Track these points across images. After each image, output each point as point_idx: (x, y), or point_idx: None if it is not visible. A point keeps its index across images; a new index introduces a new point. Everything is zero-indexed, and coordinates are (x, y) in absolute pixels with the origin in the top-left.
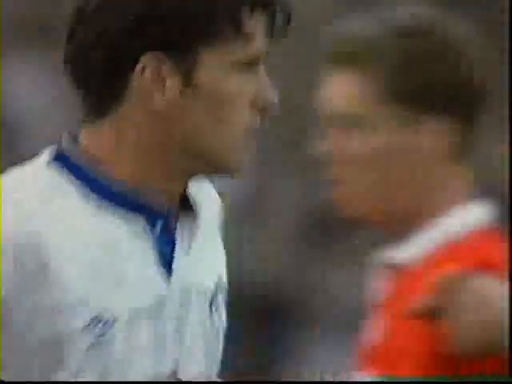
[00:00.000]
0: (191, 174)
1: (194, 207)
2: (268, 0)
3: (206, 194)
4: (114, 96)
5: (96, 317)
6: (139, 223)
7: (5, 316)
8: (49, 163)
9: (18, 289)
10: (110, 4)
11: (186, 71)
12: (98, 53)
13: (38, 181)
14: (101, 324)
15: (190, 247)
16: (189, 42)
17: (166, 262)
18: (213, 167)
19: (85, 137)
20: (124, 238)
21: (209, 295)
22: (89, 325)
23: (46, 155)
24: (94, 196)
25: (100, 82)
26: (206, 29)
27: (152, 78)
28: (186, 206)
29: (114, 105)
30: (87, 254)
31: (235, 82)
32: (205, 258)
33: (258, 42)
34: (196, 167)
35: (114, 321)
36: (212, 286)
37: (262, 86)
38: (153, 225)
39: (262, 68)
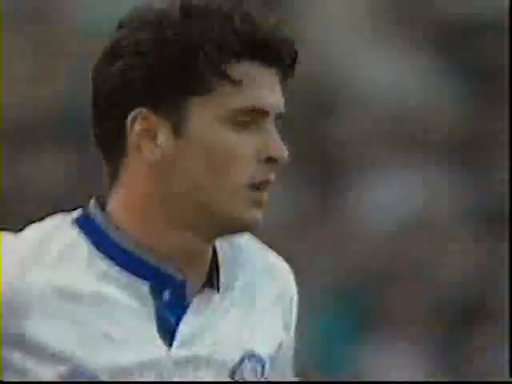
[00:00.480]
0: (205, 232)
1: (218, 277)
2: (268, 50)
3: (250, 258)
4: (117, 154)
5: (73, 371)
6: (142, 289)
7: None
8: (74, 222)
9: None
10: (104, 64)
11: (175, 124)
12: (98, 109)
13: (58, 237)
14: (78, 377)
15: (203, 318)
16: (174, 95)
17: (169, 329)
18: (220, 222)
19: (110, 198)
20: (122, 301)
21: (229, 365)
22: (67, 377)
23: (75, 213)
24: (101, 259)
25: (104, 140)
26: (189, 82)
27: (142, 132)
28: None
29: (119, 166)
30: (73, 310)
31: (229, 136)
32: (229, 329)
33: (255, 93)
34: (204, 223)
35: (94, 376)
36: (233, 357)
37: (266, 139)
38: (160, 291)
39: (267, 121)
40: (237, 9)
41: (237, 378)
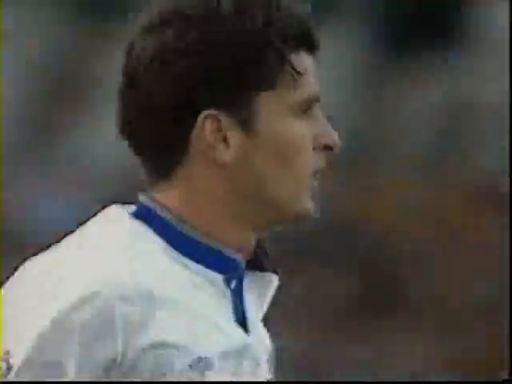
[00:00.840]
0: (263, 225)
1: (266, 268)
2: (311, 38)
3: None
4: (175, 156)
5: (199, 358)
6: (218, 281)
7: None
8: (131, 216)
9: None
10: (157, 66)
11: (244, 123)
12: (151, 116)
13: (127, 233)
14: (201, 365)
15: (252, 307)
16: (242, 93)
17: (240, 319)
18: (283, 214)
19: (158, 194)
20: (206, 289)
21: (268, 356)
22: (190, 366)
23: (119, 212)
24: (177, 252)
25: (158, 144)
26: (256, 77)
27: (212, 135)
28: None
29: (176, 165)
30: (179, 303)
31: (295, 127)
32: (259, 320)
33: (311, 83)
34: (268, 216)
35: (212, 363)
36: (267, 349)
37: (321, 127)
38: (229, 283)
39: (318, 110)
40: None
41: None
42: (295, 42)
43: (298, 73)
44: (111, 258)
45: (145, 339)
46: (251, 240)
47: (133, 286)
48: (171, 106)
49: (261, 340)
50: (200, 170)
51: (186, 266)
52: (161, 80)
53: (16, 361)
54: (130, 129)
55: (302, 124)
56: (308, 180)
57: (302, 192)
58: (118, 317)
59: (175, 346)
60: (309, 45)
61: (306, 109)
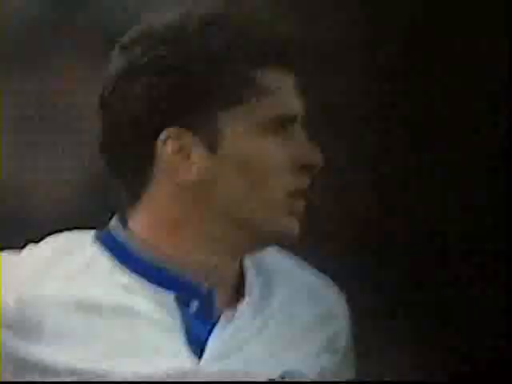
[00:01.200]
0: (238, 247)
1: (247, 291)
2: (281, 54)
3: (288, 280)
4: (144, 174)
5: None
6: (168, 300)
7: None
8: (94, 237)
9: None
10: (123, 86)
11: (209, 140)
12: (120, 134)
13: (77, 250)
14: None
15: (236, 332)
16: (206, 111)
17: (197, 342)
18: (258, 236)
19: (129, 218)
20: (146, 313)
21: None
22: None
23: (87, 235)
24: (124, 271)
25: (128, 162)
26: (219, 95)
27: (175, 152)
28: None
29: (144, 183)
30: (94, 323)
31: (265, 146)
32: (264, 341)
33: (282, 100)
34: (240, 238)
35: None
36: (271, 373)
37: (298, 145)
38: (187, 302)
39: (298, 129)
40: (249, 16)
41: None
42: (262, 58)
43: (262, 91)
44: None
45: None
46: (222, 261)
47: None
48: (134, 125)
49: (239, 368)
50: (163, 191)
51: (129, 284)
52: (125, 97)
53: None
54: (103, 150)
55: (272, 143)
56: (283, 201)
57: (276, 213)
58: (13, 318)
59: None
60: (280, 61)
61: (277, 127)
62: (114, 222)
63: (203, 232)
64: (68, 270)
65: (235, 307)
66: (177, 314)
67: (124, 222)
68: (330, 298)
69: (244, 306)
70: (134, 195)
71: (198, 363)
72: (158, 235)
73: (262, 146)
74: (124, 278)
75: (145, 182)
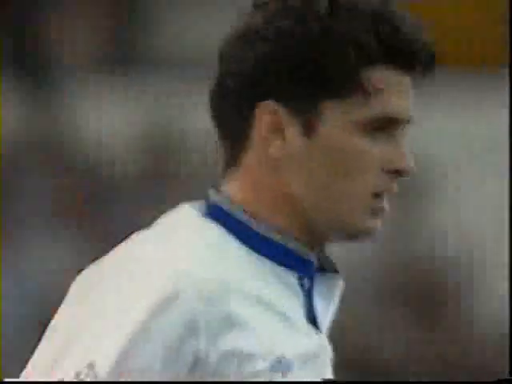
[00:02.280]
0: (323, 231)
1: (334, 267)
2: (397, 52)
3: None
4: (242, 144)
5: (279, 359)
6: (293, 281)
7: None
8: (204, 216)
9: (206, 333)
10: (240, 47)
11: (305, 123)
12: (226, 95)
13: (205, 232)
14: (282, 366)
15: (322, 309)
16: (308, 94)
17: (311, 319)
18: (338, 228)
19: (228, 187)
20: (282, 289)
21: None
22: (272, 367)
23: (190, 210)
24: (251, 248)
25: (229, 130)
26: (325, 84)
27: (269, 127)
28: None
29: (242, 153)
30: (262, 303)
31: (359, 143)
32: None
33: (389, 101)
34: (323, 225)
35: (292, 365)
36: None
37: (396, 150)
38: (302, 280)
39: (397, 129)
40: (385, 7)
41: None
42: (375, 58)
43: (369, 89)
44: (191, 256)
45: (227, 342)
46: (316, 245)
47: (216, 286)
48: (240, 90)
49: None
50: (259, 163)
51: (264, 266)
52: (239, 60)
53: (101, 371)
54: (213, 111)
55: (368, 142)
56: (366, 199)
57: (359, 210)
58: (201, 317)
59: (253, 354)
60: (401, 61)
61: (377, 127)
62: (216, 196)
63: (290, 210)
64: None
65: (322, 277)
66: (299, 291)
67: (222, 194)
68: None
69: (324, 277)
70: (232, 161)
71: (320, 337)
72: (259, 207)
73: (357, 143)
74: (254, 259)
75: (241, 154)
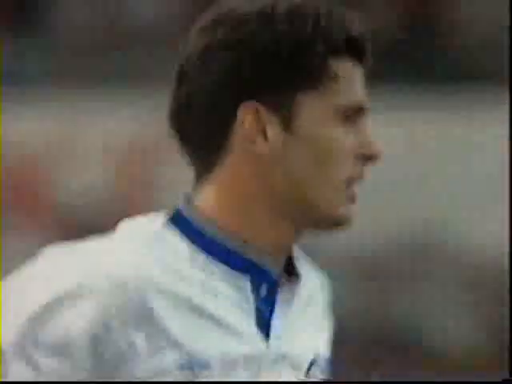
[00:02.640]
0: (297, 227)
1: (298, 273)
2: (356, 46)
3: (306, 270)
4: (217, 148)
5: (189, 359)
6: (244, 283)
7: (96, 350)
8: (166, 223)
9: (119, 325)
10: (205, 61)
11: (284, 119)
12: (197, 108)
13: (155, 239)
14: (194, 366)
15: (287, 315)
16: (284, 90)
17: (264, 324)
18: (318, 218)
19: (198, 194)
20: (227, 292)
21: (304, 366)
22: (182, 366)
23: (163, 216)
24: (202, 252)
25: (202, 136)
26: (300, 77)
27: (252, 127)
28: (288, 271)
29: (218, 157)
30: (188, 301)
31: (336, 131)
32: (301, 329)
33: (355, 90)
34: (301, 218)
35: (207, 365)
36: (308, 359)
37: (365, 137)
38: (257, 286)
39: (365, 120)
40: (328, 6)
41: (309, 377)
42: (340, 48)
43: (339, 78)
44: (113, 254)
45: (136, 333)
46: (289, 237)
47: (132, 280)
48: (214, 97)
49: (297, 349)
50: (236, 164)
51: (208, 269)
52: (208, 70)
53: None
54: (178, 119)
55: (343, 130)
56: (341, 186)
57: (336, 197)
58: (113, 309)
59: (161, 347)
60: (354, 53)
61: (349, 115)
62: (182, 204)
63: (271, 209)
64: (159, 261)
65: (288, 285)
66: (250, 296)
67: (190, 201)
68: (327, 291)
69: (301, 290)
70: (205, 169)
71: (267, 345)
72: (229, 212)
73: (334, 132)
74: (203, 261)
75: (216, 158)
